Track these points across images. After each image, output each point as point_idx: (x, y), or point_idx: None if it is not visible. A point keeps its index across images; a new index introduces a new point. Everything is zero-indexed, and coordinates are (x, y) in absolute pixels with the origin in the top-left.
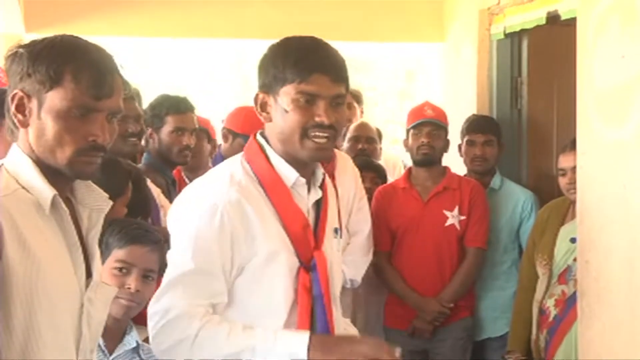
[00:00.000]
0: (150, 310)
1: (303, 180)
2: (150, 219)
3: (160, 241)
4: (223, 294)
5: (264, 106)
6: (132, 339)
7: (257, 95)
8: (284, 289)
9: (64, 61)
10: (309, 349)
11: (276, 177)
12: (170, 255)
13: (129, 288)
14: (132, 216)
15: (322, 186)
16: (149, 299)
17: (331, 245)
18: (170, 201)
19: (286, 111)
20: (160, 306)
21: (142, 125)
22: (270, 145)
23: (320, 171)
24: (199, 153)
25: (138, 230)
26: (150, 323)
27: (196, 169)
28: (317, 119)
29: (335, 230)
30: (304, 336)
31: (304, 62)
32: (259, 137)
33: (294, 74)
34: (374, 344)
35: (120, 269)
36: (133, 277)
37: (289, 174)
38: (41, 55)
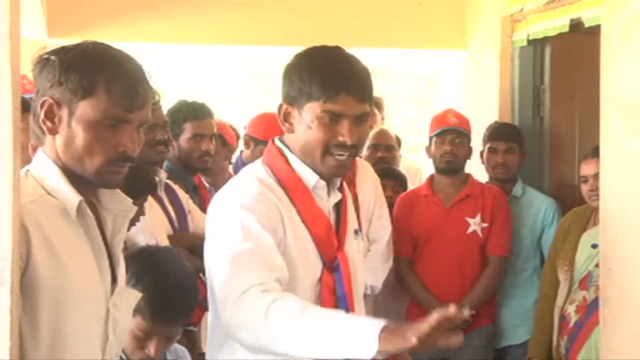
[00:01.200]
0: (219, 296)
1: (323, 182)
2: (178, 225)
3: (192, 310)
4: (284, 268)
5: (287, 117)
6: None
7: (280, 105)
8: (309, 289)
9: (96, 72)
10: (380, 335)
11: (297, 179)
12: (215, 250)
13: (148, 352)
14: None
15: (341, 188)
16: None
17: (352, 247)
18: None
19: (310, 127)
20: (228, 289)
21: (168, 132)
22: (290, 150)
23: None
24: (214, 157)
25: (172, 306)
26: (222, 308)
27: (212, 173)
28: (340, 138)
29: (356, 232)
30: (378, 323)
31: (330, 80)
32: (277, 142)
33: (319, 92)
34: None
35: (141, 336)
36: (154, 344)
37: (309, 177)
38: (74, 64)
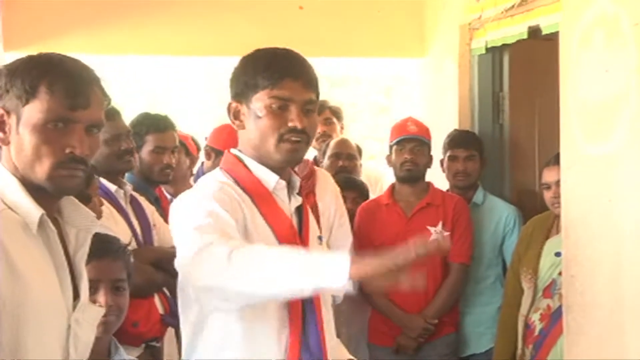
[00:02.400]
0: (181, 262)
1: (283, 183)
2: (142, 238)
3: (121, 247)
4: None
5: (237, 114)
6: (120, 358)
7: (229, 104)
8: None
9: (39, 74)
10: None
11: (257, 181)
12: (179, 238)
13: (100, 305)
14: None
15: (300, 193)
16: (125, 310)
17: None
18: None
19: (259, 117)
20: (188, 249)
21: (132, 142)
22: (244, 154)
23: (296, 178)
24: (176, 167)
25: (99, 243)
26: (184, 267)
27: (174, 183)
28: (290, 124)
29: (320, 238)
30: (344, 253)
31: (274, 67)
32: (233, 150)
33: (265, 79)
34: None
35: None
36: (102, 293)
37: (268, 178)
38: (18, 71)
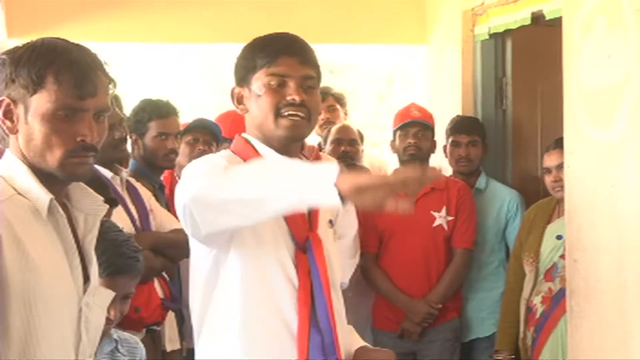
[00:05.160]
0: (181, 191)
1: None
2: (140, 224)
3: (140, 263)
4: None
5: (240, 99)
6: (110, 341)
7: (232, 89)
8: (282, 271)
9: (44, 64)
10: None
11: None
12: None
13: (108, 316)
14: None
15: None
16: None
17: (327, 235)
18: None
19: (259, 96)
20: (188, 179)
21: (126, 129)
22: (252, 137)
23: (304, 160)
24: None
25: (121, 260)
26: (183, 189)
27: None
28: (288, 97)
29: (330, 222)
30: (333, 164)
31: (270, 46)
32: (243, 134)
33: (262, 58)
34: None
35: None
36: (112, 305)
37: (276, 159)
38: (22, 60)
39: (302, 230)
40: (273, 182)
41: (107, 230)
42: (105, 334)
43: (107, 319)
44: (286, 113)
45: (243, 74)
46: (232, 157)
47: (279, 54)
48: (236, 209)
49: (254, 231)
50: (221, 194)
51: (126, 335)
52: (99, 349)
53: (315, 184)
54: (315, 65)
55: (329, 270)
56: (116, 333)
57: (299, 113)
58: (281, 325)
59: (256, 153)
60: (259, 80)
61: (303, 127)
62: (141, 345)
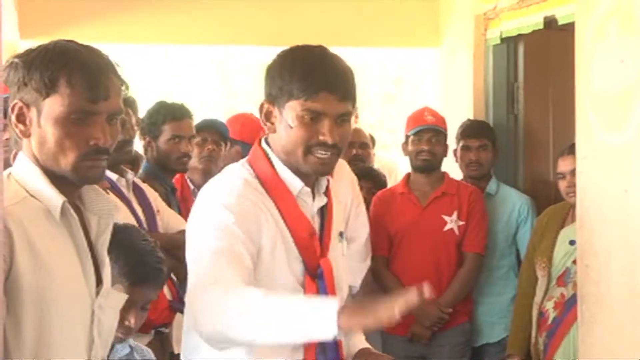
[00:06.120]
0: (186, 296)
1: (308, 190)
2: (147, 225)
3: (164, 274)
4: (252, 272)
5: (268, 116)
6: (124, 346)
7: (262, 104)
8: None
9: (57, 67)
10: (339, 313)
11: (281, 183)
12: (192, 245)
13: (128, 324)
14: None
15: (327, 192)
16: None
17: (337, 251)
18: (170, 208)
19: (290, 127)
20: (191, 286)
21: (129, 131)
22: (273, 152)
23: (323, 180)
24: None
25: (146, 269)
26: (187, 305)
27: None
28: (321, 137)
29: (341, 234)
30: (334, 302)
31: (311, 78)
32: (263, 144)
33: (300, 89)
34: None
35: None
36: (132, 314)
37: (294, 183)
38: (35, 63)
39: (314, 257)
40: (278, 328)
41: (134, 239)
42: (121, 341)
43: (127, 327)
44: (316, 152)
45: (277, 93)
46: (246, 186)
47: (319, 90)
48: (243, 342)
49: (265, 262)
50: (221, 331)
51: (142, 346)
52: (113, 353)
53: (316, 330)
54: (353, 97)
55: (337, 293)
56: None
57: (329, 152)
58: None
59: (273, 172)
60: (293, 111)
61: (331, 164)
62: (153, 356)
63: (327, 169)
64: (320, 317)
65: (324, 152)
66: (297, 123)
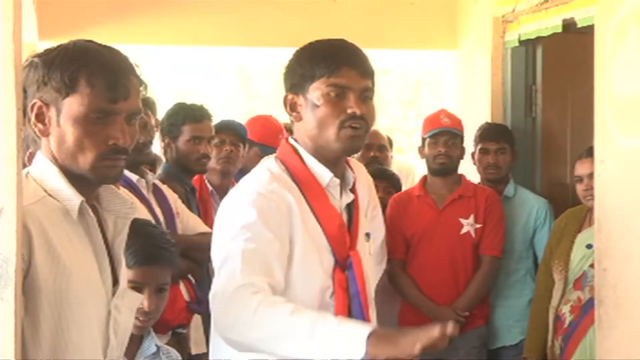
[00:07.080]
0: (212, 290)
1: (337, 181)
2: (166, 227)
3: (172, 254)
4: (280, 277)
5: (293, 106)
6: (151, 343)
7: (286, 96)
8: (320, 287)
9: (77, 67)
10: (368, 339)
11: (311, 176)
12: (218, 245)
13: (142, 307)
14: None
15: (353, 190)
16: (163, 308)
17: (364, 248)
18: (190, 209)
19: (317, 106)
20: (220, 286)
21: (148, 132)
22: (301, 145)
23: (350, 174)
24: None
25: (152, 249)
26: (212, 302)
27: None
28: (349, 110)
29: (367, 235)
30: (367, 327)
31: (332, 57)
32: (291, 140)
33: (322, 68)
34: (426, 331)
35: (132, 288)
36: (146, 296)
37: (323, 174)
38: (55, 63)
39: (344, 249)
40: (305, 346)
41: (141, 226)
42: (143, 331)
43: (144, 311)
44: (347, 125)
45: (299, 81)
46: (276, 187)
47: (340, 65)
48: (268, 354)
49: (296, 256)
50: (249, 342)
51: (168, 347)
52: (140, 352)
53: (347, 351)
54: (372, 76)
55: (366, 285)
56: (155, 342)
57: (359, 125)
58: None
59: (302, 164)
60: (318, 90)
61: (361, 139)
62: (179, 356)
63: (357, 143)
64: (350, 341)
65: (357, 124)
66: (323, 101)
